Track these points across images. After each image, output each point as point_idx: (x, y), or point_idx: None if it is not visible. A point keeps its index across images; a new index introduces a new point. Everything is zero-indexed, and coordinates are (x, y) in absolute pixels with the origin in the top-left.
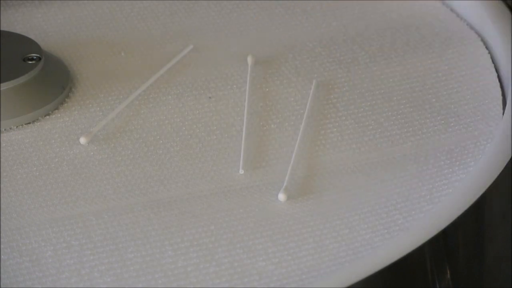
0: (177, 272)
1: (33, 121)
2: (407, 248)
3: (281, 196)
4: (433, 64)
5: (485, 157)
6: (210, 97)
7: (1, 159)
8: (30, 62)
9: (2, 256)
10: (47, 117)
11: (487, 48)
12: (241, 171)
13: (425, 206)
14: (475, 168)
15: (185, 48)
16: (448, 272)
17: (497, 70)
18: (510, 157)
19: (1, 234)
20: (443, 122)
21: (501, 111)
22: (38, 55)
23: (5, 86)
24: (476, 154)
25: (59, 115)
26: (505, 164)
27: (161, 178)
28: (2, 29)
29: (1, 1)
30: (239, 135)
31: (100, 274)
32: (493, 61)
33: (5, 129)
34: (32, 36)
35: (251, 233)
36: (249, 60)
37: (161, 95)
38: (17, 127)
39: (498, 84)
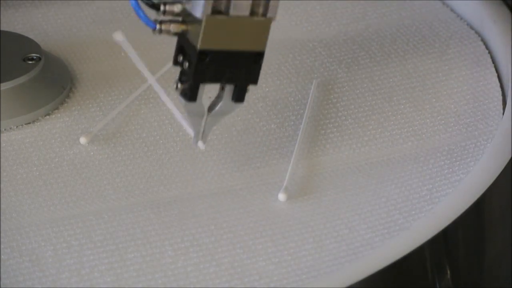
0: (177, 272)
1: (33, 121)
2: (407, 248)
3: (281, 196)
4: (433, 64)
5: (485, 157)
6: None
7: (1, 159)
8: (30, 62)
9: (2, 256)
10: (47, 117)
11: (487, 48)
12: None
13: (425, 206)
14: (475, 168)
15: None
16: (448, 272)
17: (497, 70)
18: (510, 157)
19: (1, 234)
20: (443, 122)
21: (501, 111)
22: (38, 55)
23: (5, 86)
24: (476, 154)
25: (59, 115)
26: (505, 164)
27: (161, 178)
28: (2, 29)
29: (1, 1)
30: (239, 135)
31: (100, 274)
32: (493, 61)
33: (5, 129)
34: (32, 36)
35: (251, 233)
36: None
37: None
38: (17, 127)
39: (498, 84)
